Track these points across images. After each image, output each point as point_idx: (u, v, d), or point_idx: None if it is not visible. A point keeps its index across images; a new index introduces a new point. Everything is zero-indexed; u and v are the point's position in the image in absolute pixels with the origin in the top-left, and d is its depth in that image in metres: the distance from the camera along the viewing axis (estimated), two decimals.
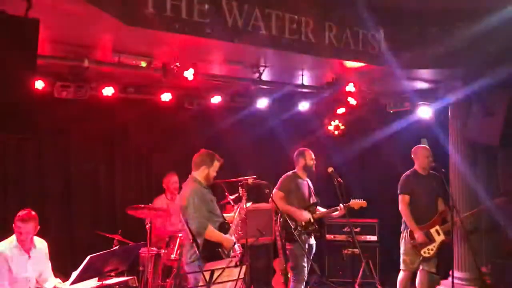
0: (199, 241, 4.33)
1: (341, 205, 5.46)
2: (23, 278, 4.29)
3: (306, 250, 5.46)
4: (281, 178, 5.67)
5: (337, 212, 5.57)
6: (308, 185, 5.71)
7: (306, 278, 5.57)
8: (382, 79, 6.24)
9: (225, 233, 4.50)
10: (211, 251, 4.30)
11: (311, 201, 5.67)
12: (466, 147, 6.36)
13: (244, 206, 4.77)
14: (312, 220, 5.52)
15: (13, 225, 4.28)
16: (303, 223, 5.46)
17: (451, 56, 5.49)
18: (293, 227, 5.33)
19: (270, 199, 5.00)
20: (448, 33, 5.41)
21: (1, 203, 5.75)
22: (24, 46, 3.39)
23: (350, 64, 5.57)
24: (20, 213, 4.29)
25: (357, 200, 5.63)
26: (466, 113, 6.35)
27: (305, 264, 5.47)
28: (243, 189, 4.81)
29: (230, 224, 4.63)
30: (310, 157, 5.69)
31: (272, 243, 6.80)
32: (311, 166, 5.68)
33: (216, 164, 4.62)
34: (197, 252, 4.31)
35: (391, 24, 5.46)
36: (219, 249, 4.37)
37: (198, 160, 4.61)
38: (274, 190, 5.52)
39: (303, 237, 5.45)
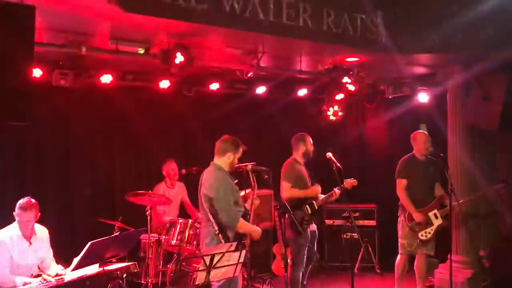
0: (230, 234, 4.24)
1: (335, 189, 5.48)
2: (25, 265, 4.33)
3: (309, 238, 5.47)
4: (283, 168, 5.58)
5: (332, 197, 5.58)
6: (307, 170, 5.72)
7: (305, 265, 5.59)
8: (380, 65, 6.23)
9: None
10: (238, 241, 4.17)
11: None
12: (465, 132, 6.35)
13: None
14: (316, 207, 5.52)
15: (14, 213, 4.31)
16: (310, 212, 5.45)
17: (450, 41, 5.47)
18: (300, 218, 5.33)
19: (272, 188, 4.94)
20: (447, 17, 5.38)
21: (0, 191, 5.77)
22: (21, 33, 3.38)
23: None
24: (21, 201, 4.32)
25: (348, 180, 5.61)
26: (464, 98, 6.34)
27: (306, 253, 5.49)
28: (253, 176, 4.68)
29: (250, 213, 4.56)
30: (310, 142, 5.66)
31: (272, 229, 6.85)
32: (311, 152, 5.67)
33: (241, 150, 4.50)
34: (223, 242, 4.17)
35: (390, 8, 5.43)
36: (245, 241, 4.32)
37: (224, 146, 4.44)
38: (282, 182, 5.45)
39: (308, 226, 5.46)
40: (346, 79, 6.20)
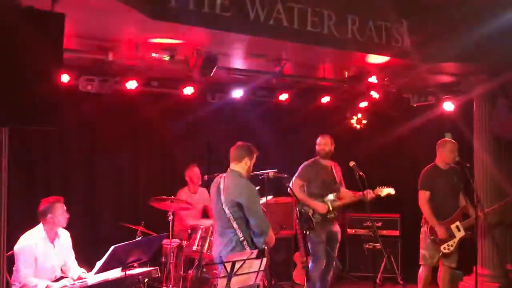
0: (260, 240, 4.22)
1: (366, 192, 5.38)
2: (49, 267, 4.39)
3: (325, 237, 5.41)
4: (301, 165, 5.73)
5: (360, 198, 5.47)
6: (332, 170, 5.67)
7: (323, 266, 5.52)
8: (405, 72, 6.17)
9: None
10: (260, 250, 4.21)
11: (333, 188, 5.62)
12: (491, 142, 6.25)
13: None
14: (331, 209, 5.50)
15: (51, 213, 4.34)
16: (330, 208, 5.47)
17: (476, 49, 5.39)
18: (311, 214, 5.32)
19: (293, 195, 4.97)
20: (474, 25, 5.31)
21: (26, 195, 5.87)
22: (50, 40, 3.45)
23: (373, 59, 5.56)
24: (55, 198, 4.40)
25: (384, 188, 5.58)
26: (491, 107, 6.24)
27: (324, 252, 5.44)
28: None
29: None
30: (320, 141, 5.70)
31: (292, 237, 6.81)
32: (321, 151, 5.67)
33: (255, 157, 4.50)
34: (248, 250, 4.14)
35: (415, 16, 5.39)
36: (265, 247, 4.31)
37: (240, 153, 4.43)
38: (294, 177, 5.56)
39: (321, 224, 5.42)
40: (369, 87, 6.17)
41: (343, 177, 5.92)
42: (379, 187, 5.54)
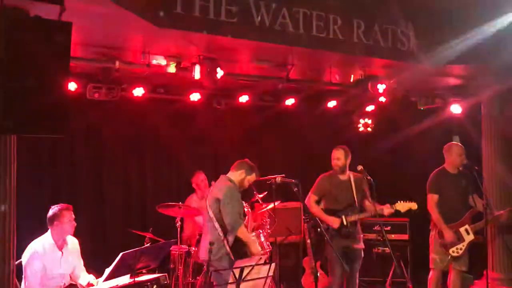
0: (230, 237, 4.40)
1: (387, 205, 5.30)
2: (58, 274, 4.40)
3: (341, 253, 5.06)
4: (318, 178, 5.53)
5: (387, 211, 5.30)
6: (351, 183, 5.46)
7: (339, 281, 5.34)
8: (412, 75, 6.15)
9: None
10: (239, 249, 4.40)
11: (348, 204, 5.42)
12: (500, 144, 6.21)
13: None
14: (345, 223, 5.30)
15: (58, 221, 4.35)
16: (345, 223, 5.29)
17: (484, 51, 5.36)
18: (324, 228, 5.22)
19: (301, 200, 4.87)
20: (481, 27, 5.28)
21: (35, 202, 5.90)
22: (58, 49, 3.48)
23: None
24: (63, 205, 4.42)
25: (404, 203, 5.34)
26: (499, 109, 6.20)
27: (339, 268, 5.22)
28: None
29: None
30: (332, 156, 5.47)
31: (301, 242, 6.78)
32: (334, 166, 5.46)
33: (253, 176, 4.72)
34: (227, 248, 4.36)
35: (421, 19, 5.37)
36: (246, 250, 4.47)
37: (240, 165, 4.73)
38: (309, 193, 5.42)
39: (336, 239, 5.23)
40: (376, 91, 6.14)
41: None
42: (399, 202, 5.36)
